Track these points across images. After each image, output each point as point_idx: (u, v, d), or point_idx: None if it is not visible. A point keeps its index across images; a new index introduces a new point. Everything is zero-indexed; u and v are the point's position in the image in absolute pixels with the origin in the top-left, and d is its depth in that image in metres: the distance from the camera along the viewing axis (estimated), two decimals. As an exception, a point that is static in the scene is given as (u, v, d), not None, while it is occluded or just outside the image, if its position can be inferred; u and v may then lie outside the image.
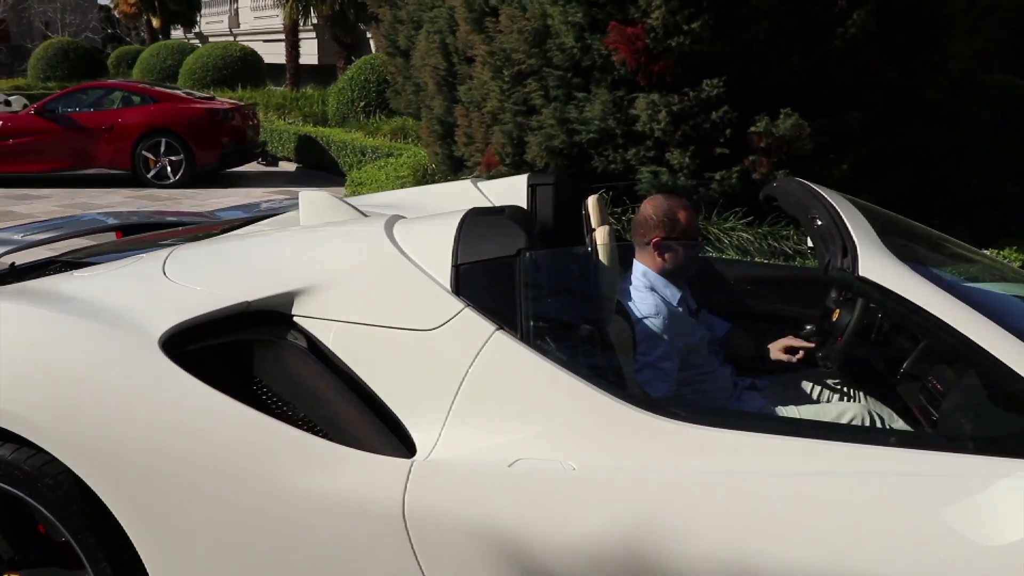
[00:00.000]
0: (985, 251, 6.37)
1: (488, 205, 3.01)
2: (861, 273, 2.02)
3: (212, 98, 13.65)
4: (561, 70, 6.28)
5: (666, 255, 2.97)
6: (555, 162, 6.52)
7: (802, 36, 5.90)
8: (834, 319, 3.02)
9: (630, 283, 3.00)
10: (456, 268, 2.10)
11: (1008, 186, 7.33)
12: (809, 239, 2.42)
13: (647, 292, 2.95)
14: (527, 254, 2.09)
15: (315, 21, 18.70)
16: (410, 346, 2.07)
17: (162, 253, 2.52)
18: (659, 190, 6.28)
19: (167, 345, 2.11)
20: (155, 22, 28.25)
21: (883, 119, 6.22)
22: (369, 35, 16.01)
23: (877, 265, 2.03)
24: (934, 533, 1.68)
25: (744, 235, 6.07)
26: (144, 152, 12.10)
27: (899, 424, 3.01)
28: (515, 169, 6.81)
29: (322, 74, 20.01)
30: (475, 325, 2.02)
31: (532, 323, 2.02)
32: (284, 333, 2.17)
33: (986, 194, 7.08)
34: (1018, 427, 1.91)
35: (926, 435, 2.32)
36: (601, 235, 2.33)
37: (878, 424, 2.90)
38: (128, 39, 36.57)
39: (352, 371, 2.11)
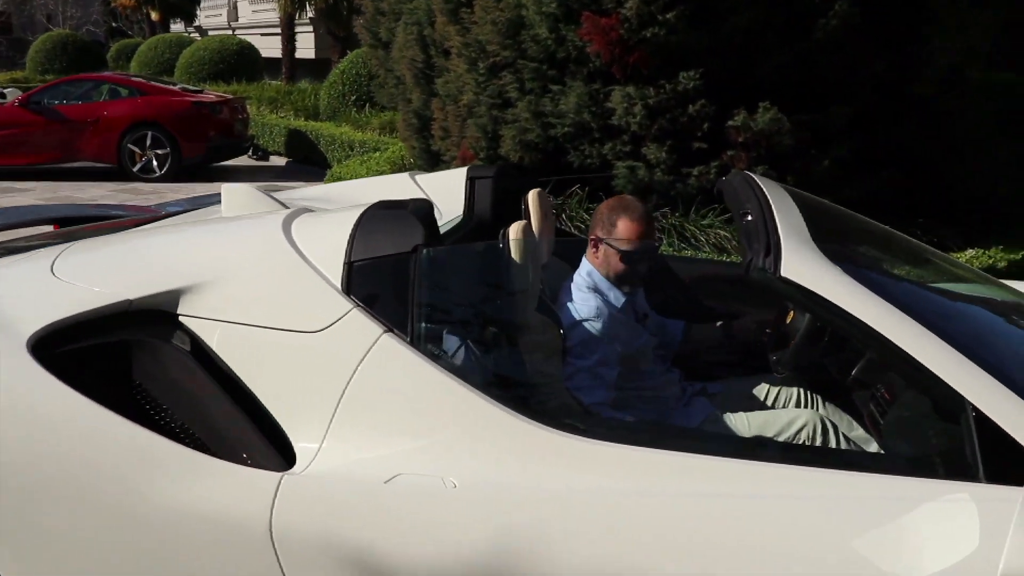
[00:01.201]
0: (970, 250, 6.21)
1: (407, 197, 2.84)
2: (783, 273, 1.85)
3: (201, 91, 13.51)
4: (536, 62, 6.11)
5: (615, 258, 2.80)
6: (529, 156, 6.36)
7: (783, 29, 5.72)
8: (788, 321, 2.86)
9: (573, 281, 2.84)
10: (348, 266, 1.94)
11: (1000, 185, 7.13)
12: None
13: (589, 293, 2.78)
14: (424, 251, 1.93)
15: (311, 15, 18.55)
16: (295, 349, 1.91)
17: (57, 249, 2.36)
18: (635, 187, 6.12)
19: (38, 346, 1.95)
20: (154, 15, 28.09)
21: (869, 115, 6.04)
22: (363, 29, 15.86)
23: (801, 265, 1.86)
24: (840, 563, 1.52)
25: (722, 232, 5.90)
26: (130, 145, 11.96)
27: (857, 433, 2.85)
28: (491, 164, 6.66)
29: (318, 68, 19.84)
30: (362, 327, 1.86)
31: (424, 325, 1.86)
32: (167, 334, 2.02)
33: (978, 193, 6.90)
34: (948, 443, 1.74)
35: (842, 453, 2.15)
36: (514, 231, 2.16)
37: (831, 434, 2.72)
38: (130, 33, 36.46)
39: (237, 376, 1.95)
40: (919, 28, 5.89)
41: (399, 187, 3.13)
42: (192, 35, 26.55)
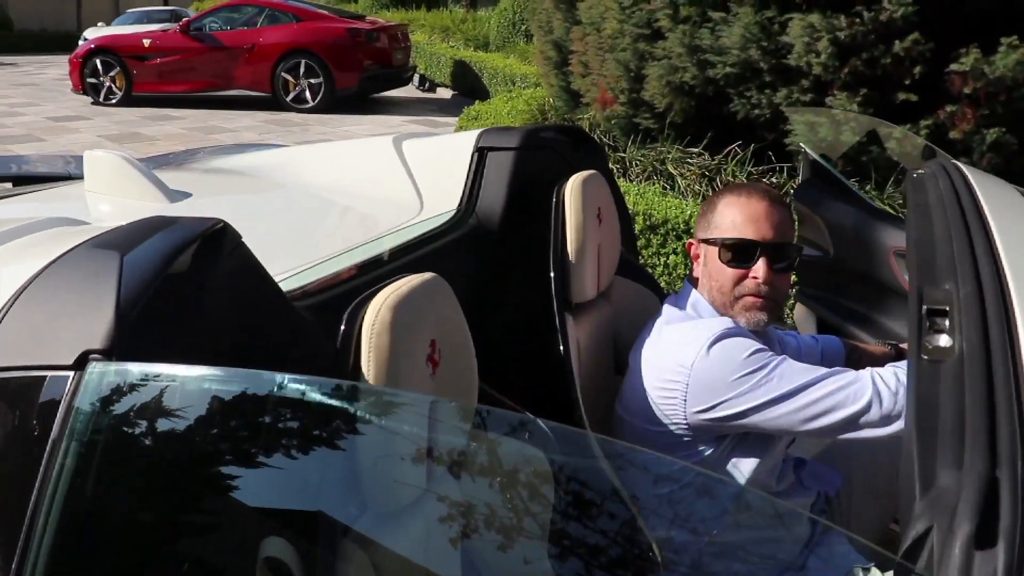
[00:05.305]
0: None
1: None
2: None
3: (362, 17, 12.72)
4: (694, -19, 4.74)
5: (715, 259, 1.68)
6: (680, 103, 5.02)
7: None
8: None
9: (662, 323, 1.68)
10: None
11: None
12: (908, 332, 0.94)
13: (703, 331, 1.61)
14: (95, 366, 0.79)
15: (493, -64, 17.38)
16: None
17: None
18: (815, 147, 4.66)
19: None
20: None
21: None
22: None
23: None
24: None
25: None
26: (283, 74, 11.37)
27: None
28: (633, 109, 5.38)
29: (503, -5, 18.70)
30: None
31: None
32: None
33: None
34: None
35: None
36: (374, 314, 0.97)
37: None
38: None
39: None
40: None
41: (376, 158, 2.00)
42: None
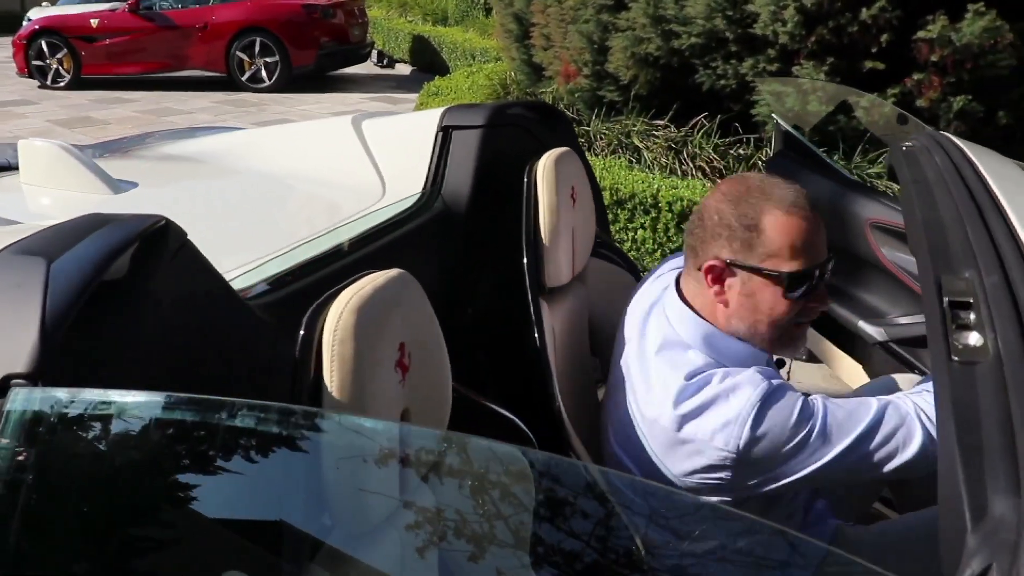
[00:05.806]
0: None
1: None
2: None
3: (318, -7, 12.47)
4: (656, -51, 4.64)
5: (772, 295, 1.42)
6: (644, 74, 4.93)
7: None
8: None
9: (656, 355, 1.46)
10: None
11: None
12: (924, 316, 0.87)
13: (710, 378, 1.39)
14: (17, 395, 0.70)
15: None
16: None
17: None
18: (782, 118, 4.61)
19: None
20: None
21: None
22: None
23: None
24: None
25: (898, 185, 4.35)
26: (238, 53, 11.11)
27: None
28: (597, 82, 5.28)
29: (458, -32, 18.46)
30: None
31: None
32: None
33: None
34: None
35: None
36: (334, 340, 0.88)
37: None
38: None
39: None
40: None
41: (336, 140, 1.89)
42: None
